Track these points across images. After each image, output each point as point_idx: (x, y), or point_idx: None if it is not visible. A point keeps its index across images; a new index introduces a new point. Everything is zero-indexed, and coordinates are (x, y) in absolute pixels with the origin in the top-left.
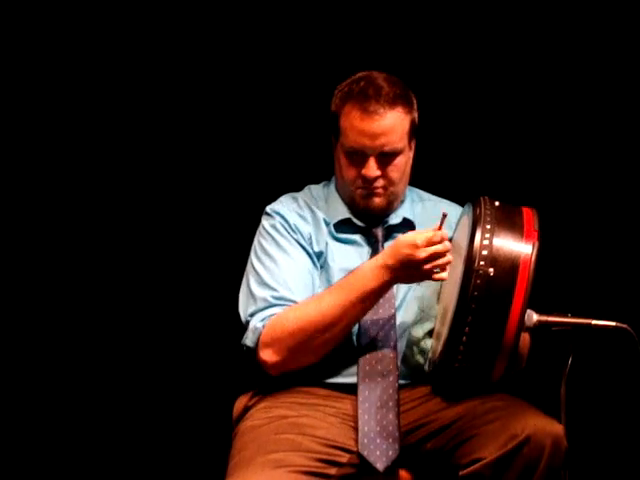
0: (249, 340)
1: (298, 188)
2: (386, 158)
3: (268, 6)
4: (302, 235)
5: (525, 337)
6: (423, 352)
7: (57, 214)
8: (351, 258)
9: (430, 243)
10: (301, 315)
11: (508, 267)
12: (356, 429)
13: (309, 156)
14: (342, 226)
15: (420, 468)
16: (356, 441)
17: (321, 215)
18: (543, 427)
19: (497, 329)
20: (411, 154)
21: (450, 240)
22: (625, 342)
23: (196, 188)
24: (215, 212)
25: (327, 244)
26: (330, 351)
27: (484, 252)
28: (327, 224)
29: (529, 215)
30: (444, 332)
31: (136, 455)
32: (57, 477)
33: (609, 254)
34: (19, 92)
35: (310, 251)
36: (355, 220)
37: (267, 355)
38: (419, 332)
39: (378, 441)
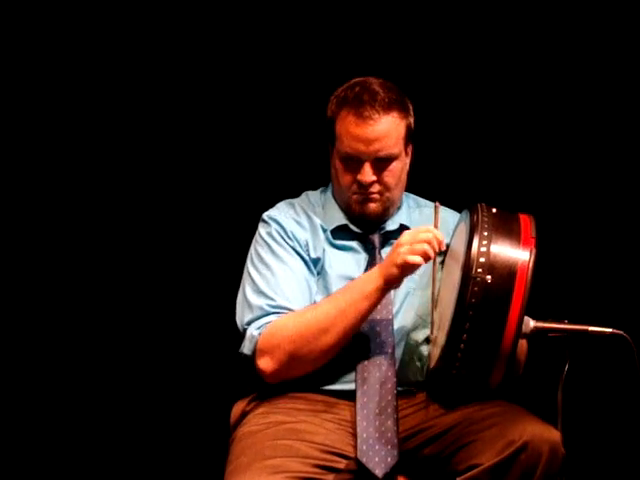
0: (246, 348)
1: (295, 194)
2: (381, 163)
3: (263, 14)
4: (299, 242)
5: (522, 343)
6: (421, 359)
7: (56, 216)
8: (348, 264)
9: (415, 230)
10: (298, 323)
11: (505, 274)
12: (354, 435)
13: (306, 162)
14: (339, 232)
15: (418, 474)
16: (354, 447)
17: (318, 221)
18: (540, 434)
19: (495, 336)
20: (407, 160)
21: (447, 247)
22: (621, 348)
23: (194, 194)
24: (213, 218)
25: (324, 250)
26: (329, 359)
27: (481, 259)
28: (324, 230)
29: (526, 222)
30: (442, 339)
31: (134, 460)
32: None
33: (605, 261)
34: (19, 92)
35: (307, 258)
36: (352, 226)
37: (264, 363)
38: (417, 339)
39: (377, 447)
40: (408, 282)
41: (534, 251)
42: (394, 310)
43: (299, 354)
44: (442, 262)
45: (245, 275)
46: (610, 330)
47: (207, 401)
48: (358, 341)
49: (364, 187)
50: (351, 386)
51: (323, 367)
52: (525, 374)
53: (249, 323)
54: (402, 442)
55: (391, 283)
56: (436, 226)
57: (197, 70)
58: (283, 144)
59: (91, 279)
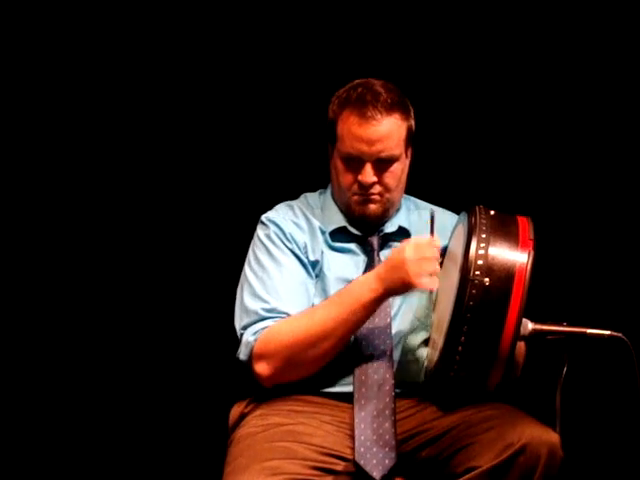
0: (242, 354)
1: (294, 196)
2: (383, 164)
3: (261, 17)
4: (297, 244)
5: (520, 346)
6: (419, 361)
7: (54, 218)
8: (347, 267)
9: (417, 245)
10: (294, 328)
11: (503, 276)
12: (352, 437)
13: (305, 164)
14: (338, 235)
15: (416, 477)
16: (352, 449)
17: (317, 223)
18: (539, 436)
19: (493, 338)
20: (407, 162)
21: (445, 249)
22: (620, 351)
23: (193, 196)
24: (212, 220)
25: (323, 253)
26: (327, 363)
27: (479, 261)
28: (323, 233)
29: (524, 224)
30: (440, 341)
31: (132, 462)
32: None
33: (604, 263)
34: (19, 92)
35: (305, 260)
36: (351, 228)
37: (260, 368)
38: (415, 341)
39: (375, 450)
40: None
41: (532, 253)
42: (392, 312)
43: (295, 360)
44: (440, 264)
45: (243, 278)
46: (608, 332)
47: (205, 403)
48: (356, 343)
49: (365, 188)
50: (349, 388)
51: (321, 369)
52: (524, 376)
53: (245, 327)
54: (400, 444)
55: (392, 295)
56: (432, 234)
57: (196, 72)
58: (282, 146)
59: (90, 282)
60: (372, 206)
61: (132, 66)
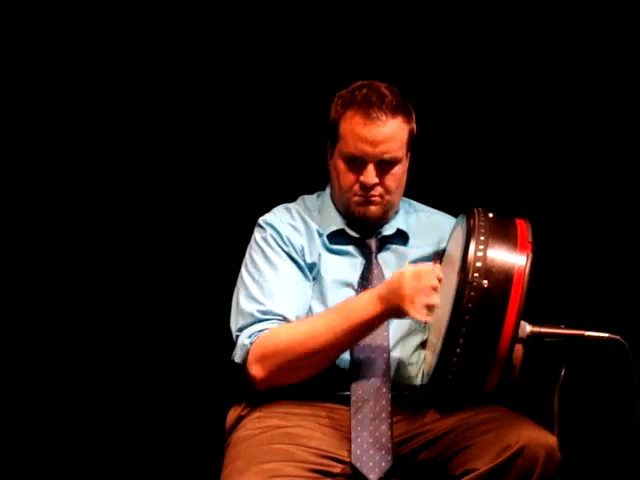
0: (237, 357)
1: (292, 198)
2: (385, 166)
3: (259, 18)
4: (294, 247)
5: (518, 348)
6: (416, 363)
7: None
8: (344, 269)
9: (418, 275)
10: (292, 335)
11: (502, 279)
12: (349, 440)
13: (303, 167)
14: (335, 237)
15: (413, 479)
16: (349, 452)
17: (314, 226)
18: (537, 438)
19: (491, 341)
20: (407, 165)
21: (444, 252)
22: (618, 353)
23: (191, 198)
24: (210, 222)
25: (320, 255)
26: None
27: (478, 264)
28: (320, 235)
29: (522, 227)
30: (438, 344)
31: (129, 465)
32: None
33: (602, 266)
34: (19, 92)
35: (302, 263)
36: (349, 231)
37: (255, 371)
38: (412, 343)
39: (371, 452)
40: None
41: (531, 256)
42: None
43: (290, 366)
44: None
45: (239, 280)
46: (607, 335)
47: (202, 406)
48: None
49: (366, 189)
50: (346, 391)
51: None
52: (521, 379)
53: (241, 330)
54: (397, 447)
55: (391, 317)
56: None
57: (195, 74)
58: (280, 148)
59: (88, 284)
60: (372, 208)
61: (132, 68)
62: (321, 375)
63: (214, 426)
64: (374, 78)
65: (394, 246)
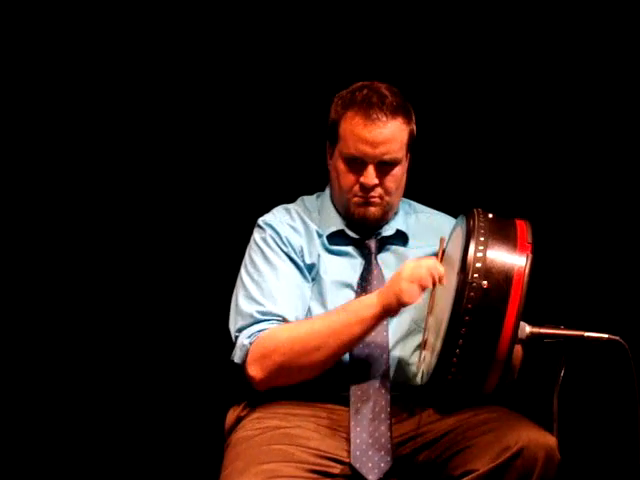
0: (237, 357)
1: (291, 199)
2: (385, 167)
3: (259, 19)
4: (293, 248)
5: (518, 349)
6: (415, 364)
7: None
8: (344, 270)
9: (418, 263)
10: (292, 336)
11: (502, 280)
12: (348, 440)
13: (302, 167)
14: (335, 238)
15: None
16: (348, 452)
17: (314, 227)
18: (536, 439)
19: (490, 341)
20: (407, 166)
21: (443, 252)
22: (617, 354)
23: (191, 199)
24: (209, 223)
25: (319, 256)
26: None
27: (478, 265)
28: (320, 236)
29: (522, 227)
30: (437, 344)
31: (128, 466)
32: None
33: (602, 267)
34: (19, 92)
35: (301, 264)
36: (348, 232)
37: (254, 371)
38: (412, 344)
39: (370, 453)
40: None
41: (530, 257)
42: None
43: (289, 366)
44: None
45: (238, 281)
46: (606, 336)
47: (202, 406)
48: None
49: (366, 190)
50: (345, 391)
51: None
52: (521, 379)
53: (240, 330)
54: (397, 447)
55: (389, 313)
56: (441, 260)
57: (194, 75)
58: (279, 149)
59: (88, 284)
60: (372, 209)
61: (132, 69)
62: (321, 376)
63: (214, 427)
64: (374, 79)
65: (394, 247)
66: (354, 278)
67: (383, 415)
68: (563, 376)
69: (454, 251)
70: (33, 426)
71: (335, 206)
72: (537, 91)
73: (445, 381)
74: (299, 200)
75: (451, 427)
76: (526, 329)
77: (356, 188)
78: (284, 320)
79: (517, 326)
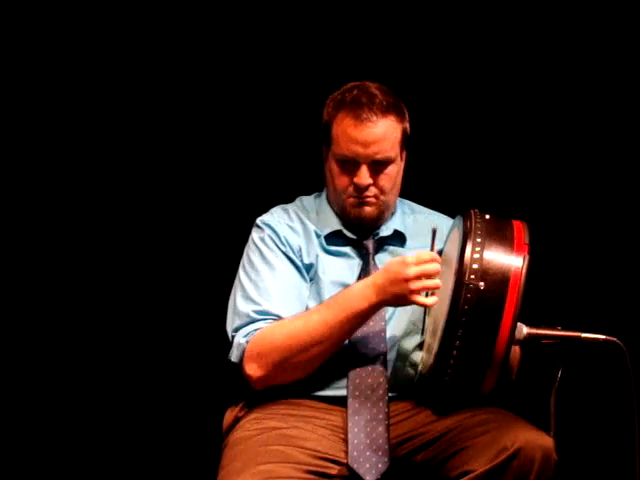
0: (234, 356)
1: (289, 199)
2: (378, 166)
3: (254, 21)
4: (292, 248)
5: (515, 350)
6: (413, 365)
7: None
8: (342, 270)
9: (420, 261)
10: (288, 332)
11: (499, 280)
12: (346, 441)
13: (301, 168)
14: (333, 238)
15: None
16: (346, 453)
17: (312, 227)
18: (533, 440)
19: (488, 342)
20: (402, 165)
21: (440, 253)
22: (614, 355)
23: (189, 199)
24: (208, 223)
25: (317, 256)
26: (318, 367)
27: (475, 266)
28: (318, 236)
29: (519, 228)
30: (435, 345)
31: (126, 466)
32: None
33: (599, 267)
34: (19, 92)
35: (299, 264)
36: (346, 232)
37: (252, 370)
38: (409, 345)
39: (368, 454)
40: None
41: (527, 257)
42: (387, 316)
43: (286, 363)
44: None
45: (236, 281)
46: (604, 337)
47: (199, 406)
48: (350, 347)
49: (360, 190)
50: (343, 392)
51: (315, 373)
52: (518, 380)
53: (237, 330)
54: (394, 448)
55: (386, 305)
56: (432, 249)
57: (192, 75)
58: (278, 149)
59: (86, 284)
60: (367, 208)
61: (130, 70)
62: (318, 377)
63: (211, 427)
64: (371, 80)
65: (391, 247)
66: (352, 278)
67: (381, 416)
68: (560, 377)
69: (451, 252)
70: (33, 426)
71: (332, 207)
72: (533, 92)
73: (442, 382)
74: (297, 200)
75: (448, 428)
76: (523, 330)
77: (350, 189)
78: (281, 319)
79: (514, 327)
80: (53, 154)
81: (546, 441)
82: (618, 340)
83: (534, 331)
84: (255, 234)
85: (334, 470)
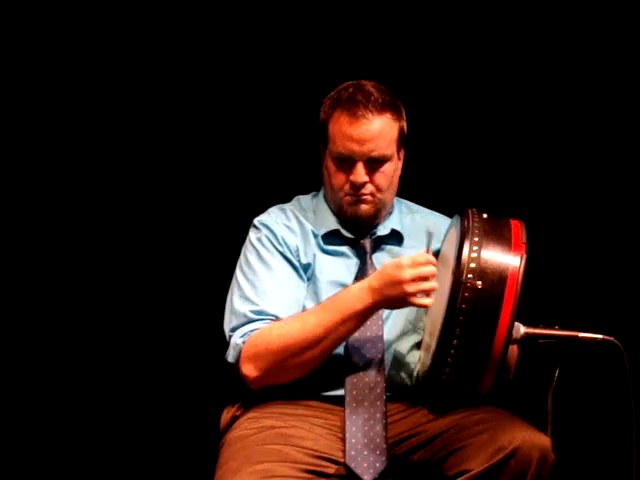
0: (230, 356)
1: (287, 199)
2: (374, 164)
3: (252, 21)
4: (289, 248)
5: (513, 349)
6: (411, 364)
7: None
8: (339, 270)
9: (415, 264)
10: (284, 333)
11: (496, 280)
12: (344, 440)
13: (298, 167)
14: (330, 238)
15: None
16: (344, 452)
17: (309, 227)
18: (530, 439)
19: (485, 342)
20: (400, 164)
21: (438, 252)
22: (612, 355)
23: (187, 199)
24: (205, 223)
25: (315, 256)
26: (312, 369)
27: (472, 265)
28: (315, 236)
29: (517, 227)
30: (432, 344)
31: (123, 465)
32: None
33: (596, 267)
34: (19, 92)
35: (296, 264)
36: (343, 231)
37: (248, 370)
38: (407, 344)
39: (365, 453)
40: None
41: (525, 257)
42: (384, 315)
43: (282, 364)
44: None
45: (233, 281)
46: (601, 336)
47: (197, 406)
48: (348, 347)
49: (356, 188)
50: (340, 391)
51: (313, 372)
52: (515, 380)
53: (233, 330)
54: (392, 447)
55: (383, 307)
56: (428, 250)
57: (190, 76)
58: (275, 149)
59: (83, 284)
60: (364, 206)
61: (130, 70)
62: (316, 376)
63: (208, 426)
64: (369, 78)
65: (389, 246)
66: (349, 278)
67: (378, 415)
68: (557, 376)
69: (449, 251)
70: (33, 426)
71: (329, 206)
72: (531, 91)
73: (440, 381)
74: (295, 200)
75: (446, 427)
76: (521, 329)
77: (347, 187)
78: (278, 320)
79: (512, 326)
80: (53, 154)
81: (543, 441)
82: (615, 340)
83: (531, 330)
84: (252, 234)
85: (332, 469)
